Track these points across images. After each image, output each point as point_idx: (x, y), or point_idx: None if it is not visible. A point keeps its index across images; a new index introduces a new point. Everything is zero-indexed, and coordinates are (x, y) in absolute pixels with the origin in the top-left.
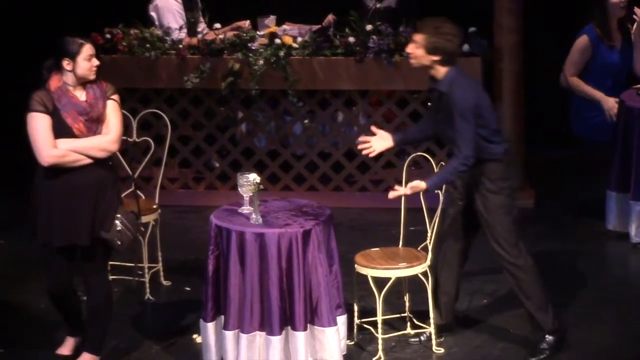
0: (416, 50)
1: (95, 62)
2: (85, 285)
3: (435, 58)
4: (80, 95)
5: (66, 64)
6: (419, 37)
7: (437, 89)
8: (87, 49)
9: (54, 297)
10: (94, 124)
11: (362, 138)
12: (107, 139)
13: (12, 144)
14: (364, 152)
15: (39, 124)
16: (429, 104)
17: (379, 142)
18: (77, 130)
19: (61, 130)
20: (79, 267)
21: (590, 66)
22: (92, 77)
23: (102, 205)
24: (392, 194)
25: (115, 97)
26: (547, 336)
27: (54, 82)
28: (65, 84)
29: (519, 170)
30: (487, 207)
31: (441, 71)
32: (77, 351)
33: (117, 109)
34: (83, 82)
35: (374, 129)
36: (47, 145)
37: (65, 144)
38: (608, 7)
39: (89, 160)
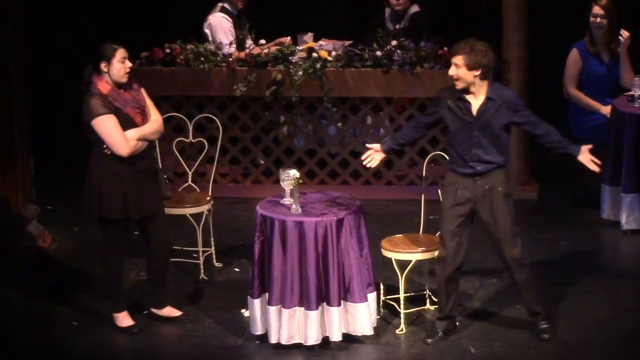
0: (458, 71)
1: (128, 64)
2: (157, 242)
3: (477, 73)
4: (123, 93)
5: (103, 66)
6: (458, 59)
7: (481, 102)
8: (121, 52)
9: (120, 265)
10: (144, 112)
11: (364, 156)
12: (160, 122)
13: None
14: (367, 164)
15: (110, 124)
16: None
17: (377, 154)
18: (138, 121)
19: (126, 123)
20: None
21: (581, 76)
22: (125, 79)
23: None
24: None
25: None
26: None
27: (103, 87)
28: (112, 86)
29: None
30: (503, 209)
31: (483, 86)
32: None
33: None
34: (120, 85)
35: (368, 145)
36: (122, 140)
37: (134, 133)
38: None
39: (146, 144)
